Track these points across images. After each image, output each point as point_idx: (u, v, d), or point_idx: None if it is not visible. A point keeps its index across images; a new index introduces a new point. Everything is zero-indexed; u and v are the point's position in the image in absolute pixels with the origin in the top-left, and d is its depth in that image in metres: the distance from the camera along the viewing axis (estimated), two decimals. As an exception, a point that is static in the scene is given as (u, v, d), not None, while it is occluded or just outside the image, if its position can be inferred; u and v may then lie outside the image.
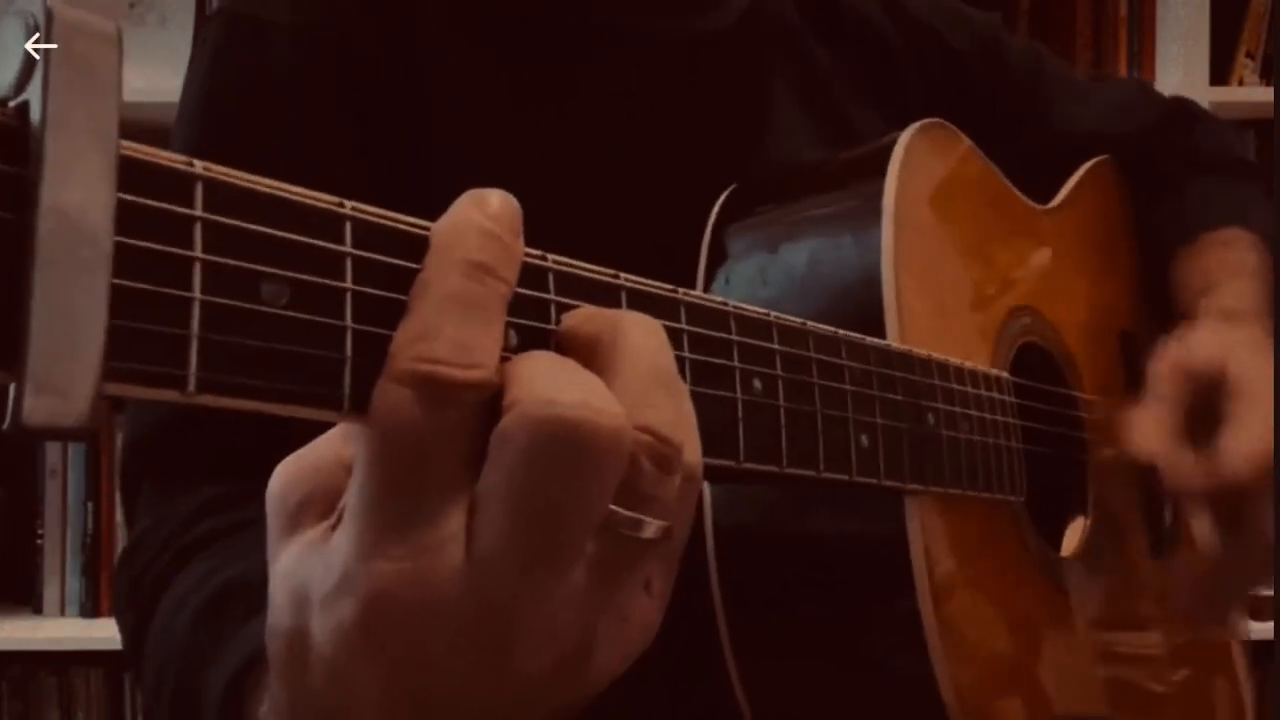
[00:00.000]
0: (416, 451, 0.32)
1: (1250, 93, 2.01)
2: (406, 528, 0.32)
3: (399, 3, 0.71)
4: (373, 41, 0.70)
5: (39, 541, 1.97)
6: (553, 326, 0.38)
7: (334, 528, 0.34)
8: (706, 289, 0.68)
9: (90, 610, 1.96)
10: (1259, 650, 0.95)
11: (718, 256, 0.69)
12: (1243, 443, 0.72)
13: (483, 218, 0.34)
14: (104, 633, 1.89)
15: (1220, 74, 2.01)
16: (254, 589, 0.48)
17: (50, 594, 1.96)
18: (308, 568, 0.34)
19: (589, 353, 0.36)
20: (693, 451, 0.37)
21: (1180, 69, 1.98)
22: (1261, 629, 1.06)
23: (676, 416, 0.36)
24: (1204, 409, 0.75)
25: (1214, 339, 0.78)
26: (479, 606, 0.33)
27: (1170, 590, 0.79)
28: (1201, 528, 0.75)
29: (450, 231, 0.34)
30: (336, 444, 0.36)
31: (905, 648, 0.60)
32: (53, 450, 1.96)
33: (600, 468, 0.33)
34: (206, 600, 0.53)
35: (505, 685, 0.34)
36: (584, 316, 0.37)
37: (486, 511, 0.32)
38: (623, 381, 0.34)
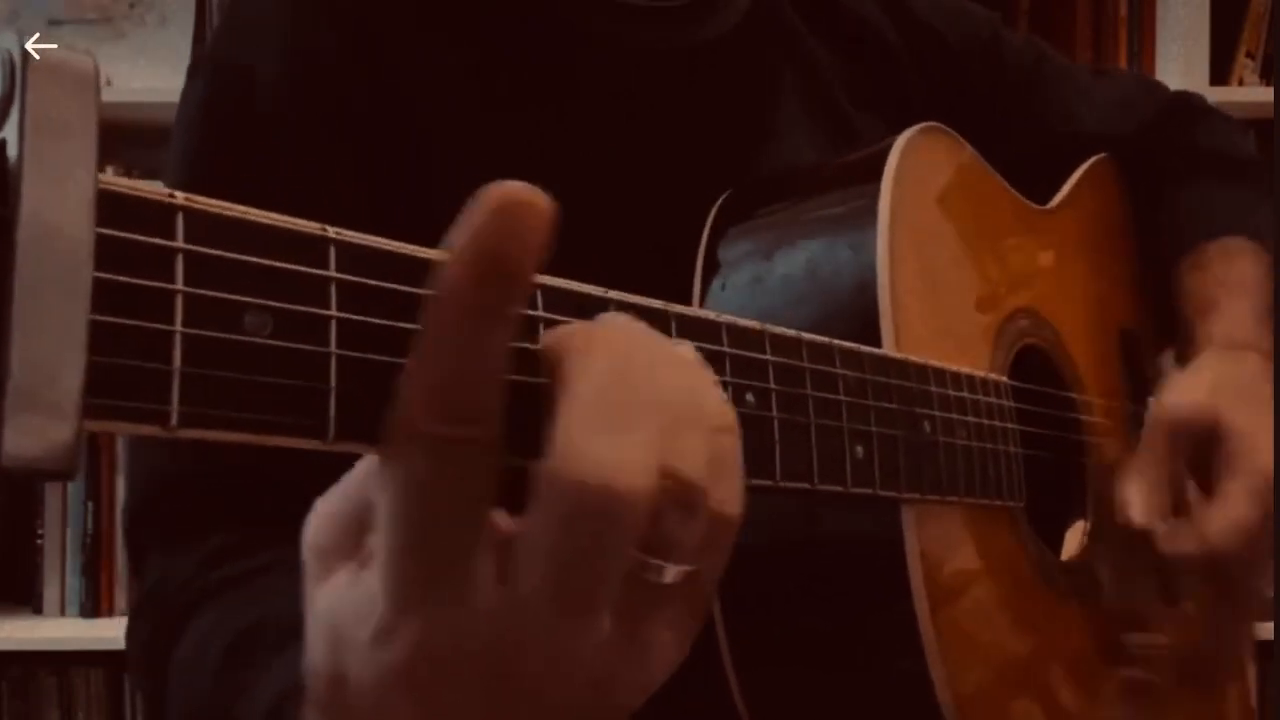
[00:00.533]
0: (438, 506, 0.32)
1: (1250, 93, 2.01)
2: (439, 576, 0.33)
3: (385, 26, 0.70)
4: (360, 71, 0.69)
5: (39, 541, 1.97)
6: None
7: (362, 566, 0.35)
8: (703, 294, 0.68)
9: (90, 610, 1.96)
10: (1259, 650, 0.95)
11: (714, 262, 0.68)
12: (1230, 512, 0.72)
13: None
14: (104, 633, 1.89)
15: (1220, 74, 2.01)
16: (273, 634, 0.50)
17: (50, 594, 1.96)
18: (341, 612, 0.35)
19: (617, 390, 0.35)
20: (724, 492, 0.37)
21: (1180, 69, 1.97)
22: (1261, 629, 1.06)
23: (704, 460, 0.36)
24: (1201, 458, 0.76)
25: (1209, 382, 0.78)
26: (512, 647, 0.34)
27: (1185, 618, 0.80)
28: (1194, 589, 0.76)
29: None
30: (360, 480, 0.36)
31: (903, 654, 0.60)
32: (52, 450, 1.96)
33: (630, 524, 0.33)
34: (227, 648, 0.54)
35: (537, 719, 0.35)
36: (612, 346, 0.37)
37: (523, 559, 0.33)
38: (650, 425, 0.34)
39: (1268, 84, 2.00)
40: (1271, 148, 1.80)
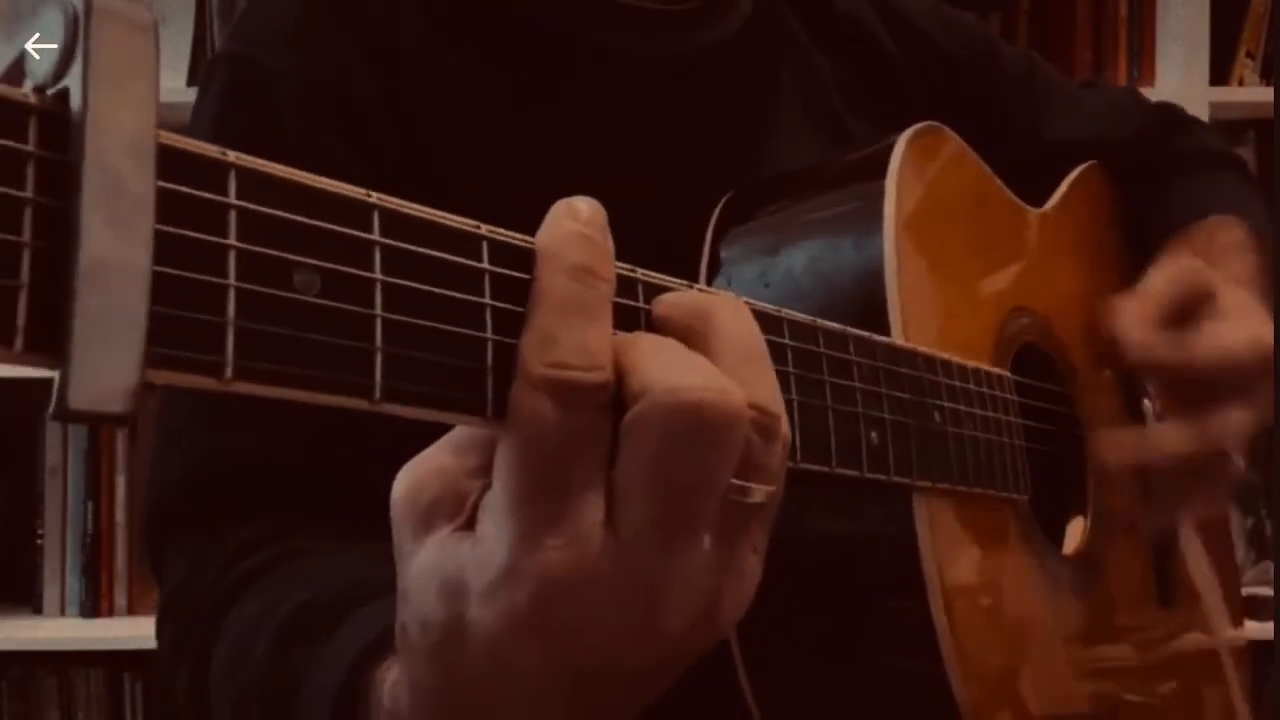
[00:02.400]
0: (557, 451, 0.35)
1: (1250, 93, 2.02)
2: (559, 519, 0.35)
3: (394, 29, 0.71)
4: (369, 72, 0.70)
5: (39, 541, 1.97)
6: (643, 305, 0.40)
7: (465, 526, 0.37)
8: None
9: (90, 610, 1.96)
10: (1259, 650, 0.96)
11: (718, 262, 0.69)
12: (1219, 335, 0.74)
13: (578, 225, 0.37)
14: (104, 633, 1.90)
15: (1220, 74, 2.02)
16: (327, 609, 0.51)
17: (50, 594, 1.96)
18: (456, 561, 0.36)
19: (686, 336, 0.39)
20: (785, 420, 0.40)
21: (1180, 69, 1.98)
22: (1261, 629, 1.07)
23: (773, 389, 0.39)
24: (1187, 322, 0.76)
25: (1211, 274, 0.79)
26: (628, 580, 0.36)
27: (1185, 613, 0.80)
28: (1166, 407, 0.77)
29: (553, 242, 0.37)
30: (452, 452, 0.38)
31: (916, 647, 0.61)
32: (53, 449, 1.96)
33: (725, 445, 0.36)
34: (280, 627, 0.54)
35: (651, 647, 0.37)
36: (673, 303, 0.40)
37: (627, 495, 0.35)
38: (724, 361, 0.37)
39: (1268, 84, 2.01)
40: (1271, 148, 1.82)
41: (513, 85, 0.73)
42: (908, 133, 0.70)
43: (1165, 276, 0.78)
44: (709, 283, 0.69)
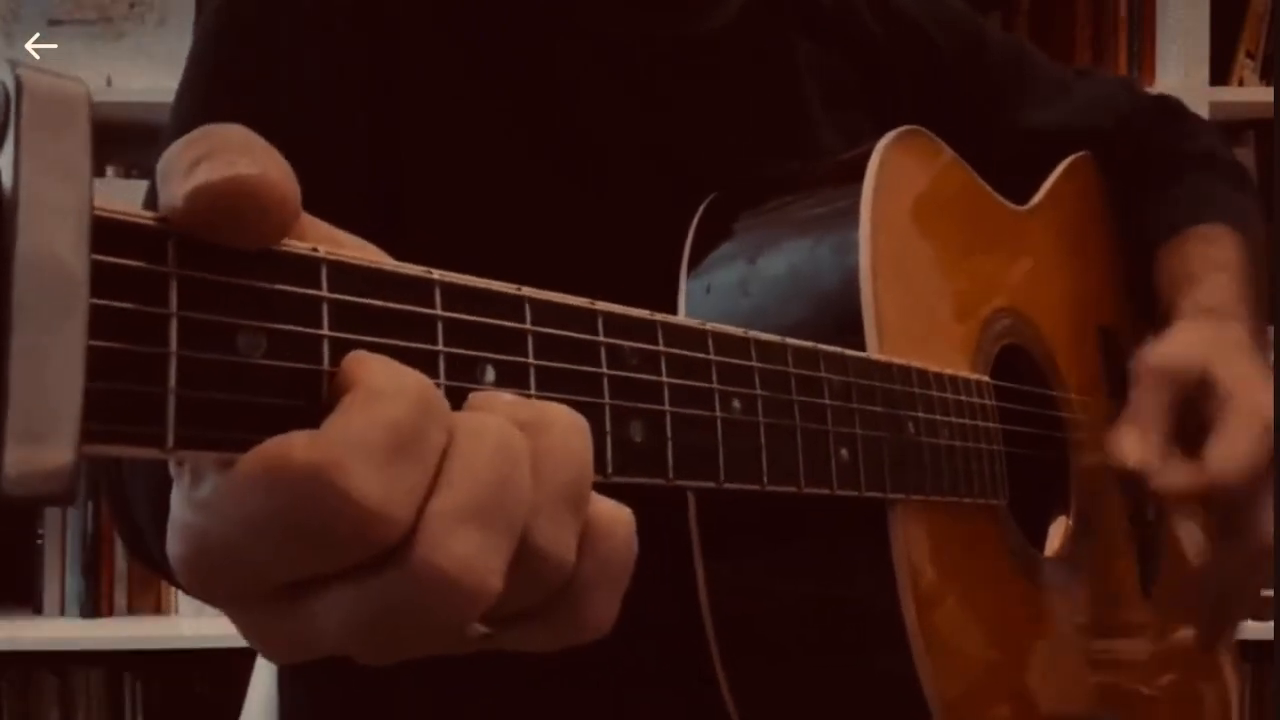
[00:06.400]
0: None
1: (1250, 93, 2.02)
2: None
3: (384, 7, 0.71)
4: (366, 37, 0.70)
5: (39, 541, 1.97)
6: (530, 361, 0.38)
7: None
8: (688, 299, 0.68)
9: (90, 610, 1.96)
10: (1259, 650, 0.95)
11: (699, 266, 0.69)
12: (1231, 448, 0.71)
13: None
14: (104, 633, 1.90)
15: (1220, 74, 2.02)
16: None
17: (50, 594, 1.97)
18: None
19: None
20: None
21: (1180, 69, 1.98)
22: (1261, 629, 1.06)
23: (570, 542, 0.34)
24: (1188, 414, 0.74)
25: (1195, 339, 0.78)
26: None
27: (1170, 613, 0.79)
28: (1191, 536, 0.74)
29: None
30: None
31: (890, 653, 0.61)
32: (49, 451, 1.97)
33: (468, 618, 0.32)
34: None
35: None
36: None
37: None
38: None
39: (1268, 84, 2.01)
40: (1271, 148, 1.81)
41: (492, 76, 0.72)
42: (887, 137, 0.70)
43: (1151, 386, 0.75)
44: (689, 290, 0.69)
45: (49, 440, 0.25)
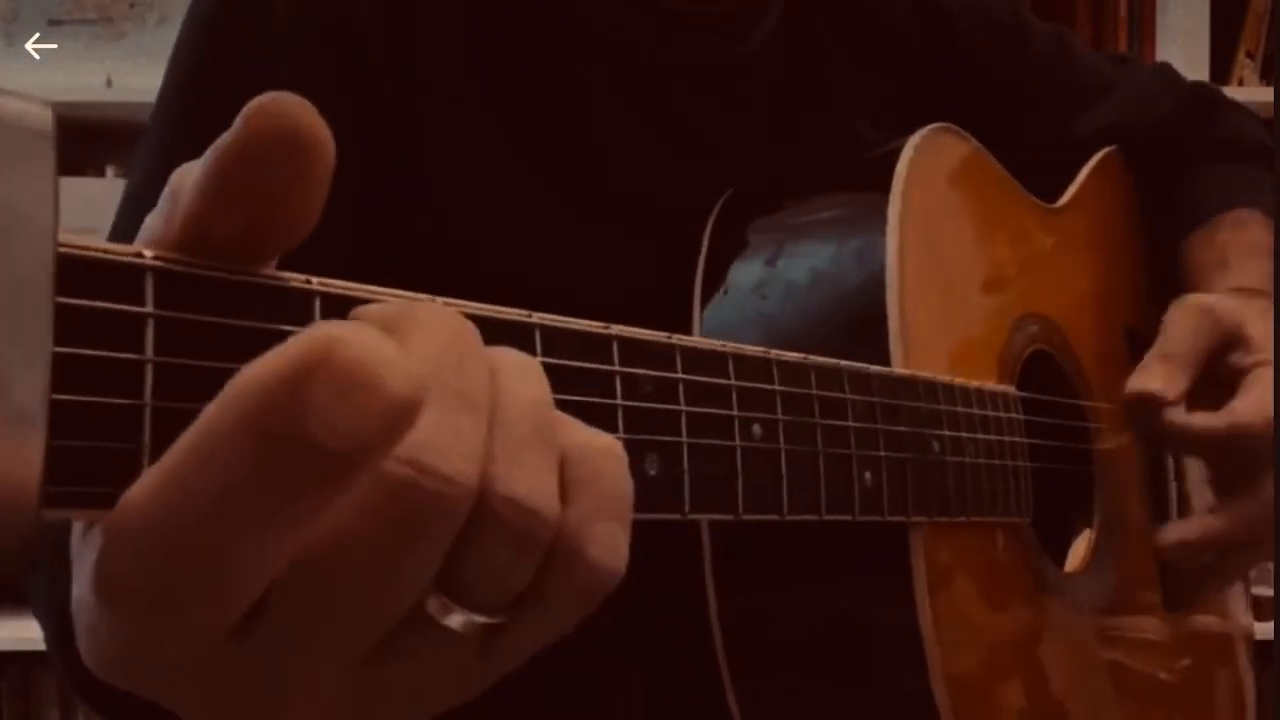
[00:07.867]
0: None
1: (1250, 93, 2.01)
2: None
3: (405, 11, 0.66)
4: (383, 33, 0.65)
5: (37, 540, 1.96)
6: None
7: None
8: (704, 303, 0.66)
9: (90, 610, 1.95)
10: (1259, 650, 0.94)
11: (715, 267, 0.66)
12: (1260, 400, 0.70)
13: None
14: (104, 632, 1.89)
15: (1220, 74, 2.02)
16: None
17: (50, 593, 1.95)
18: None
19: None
20: (593, 532, 0.31)
21: (1180, 69, 1.95)
22: (1261, 629, 1.05)
23: (542, 484, 0.30)
24: (1217, 369, 0.73)
25: (1231, 302, 0.77)
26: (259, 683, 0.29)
27: (1171, 553, 0.77)
28: (1202, 483, 0.73)
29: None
30: None
31: (906, 669, 0.59)
32: (49, 448, 1.95)
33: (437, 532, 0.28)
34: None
35: None
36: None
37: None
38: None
39: (1268, 84, 2.02)
40: (1272, 148, 1.80)
41: (515, 91, 0.68)
42: (916, 135, 0.67)
43: (1185, 328, 0.74)
44: (704, 293, 0.66)
45: (6, 509, 0.23)
